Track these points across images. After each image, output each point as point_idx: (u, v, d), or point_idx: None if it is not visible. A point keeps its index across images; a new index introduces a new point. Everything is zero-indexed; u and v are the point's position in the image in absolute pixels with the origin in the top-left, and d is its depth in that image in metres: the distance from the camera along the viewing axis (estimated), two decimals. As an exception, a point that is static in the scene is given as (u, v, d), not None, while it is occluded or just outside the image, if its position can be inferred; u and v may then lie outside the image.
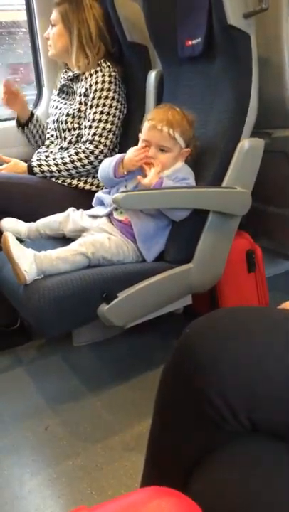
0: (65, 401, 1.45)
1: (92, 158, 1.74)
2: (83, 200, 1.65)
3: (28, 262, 1.27)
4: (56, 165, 1.76)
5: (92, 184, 1.79)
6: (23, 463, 1.23)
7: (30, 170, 1.79)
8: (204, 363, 0.56)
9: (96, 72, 1.76)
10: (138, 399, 1.42)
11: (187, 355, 0.59)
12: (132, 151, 1.46)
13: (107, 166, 1.49)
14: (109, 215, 1.49)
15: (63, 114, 1.83)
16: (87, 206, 1.59)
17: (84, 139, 1.78)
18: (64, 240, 1.51)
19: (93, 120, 1.75)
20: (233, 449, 0.56)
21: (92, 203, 1.58)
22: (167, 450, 0.64)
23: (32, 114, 1.98)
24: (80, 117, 1.80)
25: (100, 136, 1.74)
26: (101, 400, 1.44)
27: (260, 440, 0.55)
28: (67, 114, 1.81)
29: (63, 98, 1.93)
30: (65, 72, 1.90)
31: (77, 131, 1.81)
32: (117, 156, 1.49)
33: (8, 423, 1.38)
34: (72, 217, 1.52)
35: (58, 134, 1.88)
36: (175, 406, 0.62)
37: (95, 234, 1.42)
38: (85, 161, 1.74)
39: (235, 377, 0.54)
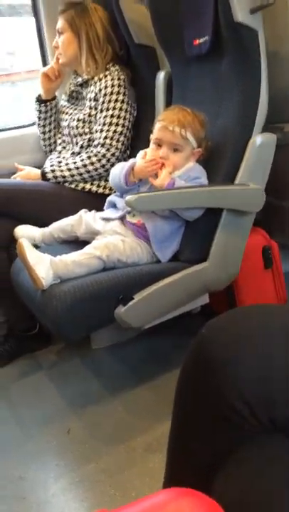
0: (85, 404, 1.46)
1: (104, 161, 1.74)
2: (96, 203, 1.65)
3: (44, 268, 1.28)
4: (69, 170, 1.77)
5: (104, 187, 1.80)
6: (46, 467, 1.24)
7: (44, 176, 1.80)
8: (221, 363, 0.55)
9: (105, 76, 1.77)
10: (158, 400, 1.42)
11: (204, 357, 0.58)
12: (141, 159, 1.46)
13: (117, 174, 1.48)
14: (122, 218, 1.49)
15: (74, 120, 1.84)
16: (100, 209, 1.59)
17: (95, 142, 1.79)
18: (78, 242, 1.51)
19: (104, 124, 1.76)
20: (253, 448, 0.56)
21: (104, 207, 1.58)
22: (187, 451, 0.64)
23: (54, 97, 1.99)
24: (90, 122, 1.81)
25: (112, 139, 1.75)
26: (122, 402, 1.44)
27: (281, 439, 0.54)
28: (78, 120, 1.82)
29: (73, 104, 1.95)
30: (74, 78, 1.91)
31: (88, 136, 1.82)
32: (127, 164, 1.48)
33: (31, 428, 1.39)
34: (84, 220, 1.52)
35: (70, 140, 1.89)
36: (193, 407, 0.62)
37: (109, 237, 1.43)
38: (98, 165, 1.75)
39: (253, 378, 0.54)
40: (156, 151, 1.44)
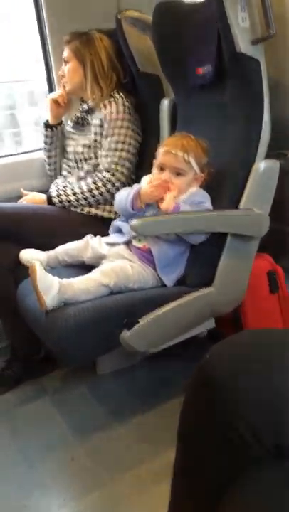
0: (90, 431, 1.44)
1: (109, 186, 1.77)
2: (101, 227, 1.66)
3: (52, 292, 1.28)
4: (74, 194, 1.79)
5: (110, 212, 1.81)
6: (49, 495, 1.22)
7: (50, 200, 1.83)
8: (225, 388, 0.55)
9: (110, 102, 1.81)
10: (164, 426, 1.39)
11: (208, 381, 0.58)
12: (146, 184, 1.48)
13: (123, 200, 1.50)
14: (127, 243, 1.50)
15: (79, 145, 1.87)
16: (106, 233, 1.60)
17: (101, 167, 1.81)
18: (83, 267, 1.52)
19: (109, 149, 1.78)
20: (259, 474, 0.55)
21: (109, 231, 1.59)
22: (191, 478, 0.63)
23: (60, 122, 2.03)
24: (96, 147, 1.84)
25: (117, 164, 1.77)
26: (127, 429, 1.43)
27: (285, 465, 0.54)
28: (84, 145, 1.85)
29: (79, 130, 1.98)
30: (80, 104, 1.95)
31: (93, 161, 1.85)
32: (133, 189, 1.49)
33: (34, 455, 1.38)
34: (91, 244, 1.53)
35: (75, 165, 1.92)
36: (197, 432, 0.61)
37: (116, 260, 1.43)
38: (103, 189, 1.77)
39: (258, 403, 0.53)
40: (159, 175, 1.46)
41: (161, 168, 1.46)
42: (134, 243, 1.47)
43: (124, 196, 1.50)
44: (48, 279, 1.31)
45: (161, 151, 1.46)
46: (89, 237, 1.57)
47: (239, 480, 0.56)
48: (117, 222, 1.57)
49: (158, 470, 1.24)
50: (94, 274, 1.37)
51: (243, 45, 1.32)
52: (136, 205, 1.47)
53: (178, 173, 1.44)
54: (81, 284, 1.33)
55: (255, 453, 0.54)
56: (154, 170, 1.49)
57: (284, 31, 1.44)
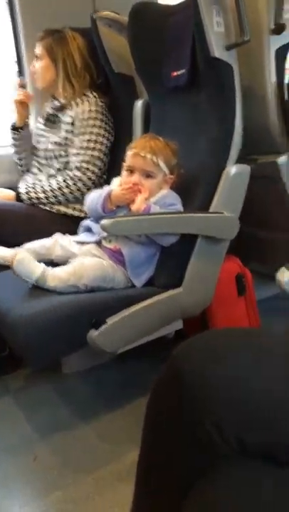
0: (54, 430, 1.42)
1: (80, 184, 1.76)
2: (71, 226, 1.65)
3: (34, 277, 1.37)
4: (44, 192, 1.78)
5: (80, 210, 1.80)
6: (11, 495, 1.20)
7: (18, 197, 1.80)
8: (191, 385, 0.56)
9: (82, 101, 1.80)
10: (130, 426, 1.40)
11: (173, 378, 0.58)
12: (117, 186, 1.47)
13: (94, 201, 1.49)
14: (97, 243, 1.49)
15: (50, 143, 1.85)
16: (75, 232, 1.59)
17: (72, 166, 1.80)
18: (51, 264, 1.50)
19: (81, 148, 1.78)
20: (224, 471, 0.55)
21: (79, 231, 1.58)
22: (156, 476, 0.63)
23: (27, 123, 2.01)
24: (67, 145, 1.83)
25: (88, 163, 1.76)
26: (92, 429, 1.42)
27: (250, 462, 0.55)
28: (55, 143, 1.84)
29: (50, 127, 1.96)
30: (52, 101, 1.94)
31: (64, 159, 1.83)
32: (105, 191, 1.48)
33: (-4, 455, 1.35)
34: (60, 243, 1.52)
35: (46, 162, 1.90)
36: (162, 428, 0.61)
37: (86, 258, 1.42)
38: (73, 188, 1.76)
39: (222, 400, 0.54)
40: (129, 177, 1.46)
41: (131, 171, 1.46)
42: (105, 244, 1.46)
43: (95, 198, 1.50)
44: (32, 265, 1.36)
45: (129, 153, 1.46)
46: (58, 235, 1.56)
47: (206, 477, 0.56)
48: (87, 222, 1.56)
49: (121, 470, 1.24)
50: (63, 273, 1.37)
51: (218, 49, 1.34)
52: (107, 207, 1.47)
53: (147, 176, 1.44)
54: (56, 283, 1.36)
55: (222, 450, 0.55)
56: (123, 172, 1.49)
57: (258, 38, 1.47)
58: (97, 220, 1.50)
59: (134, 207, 1.41)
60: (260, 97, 1.54)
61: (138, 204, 1.40)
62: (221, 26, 1.35)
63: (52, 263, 1.51)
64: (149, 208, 1.40)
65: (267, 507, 0.50)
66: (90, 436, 1.39)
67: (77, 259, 1.41)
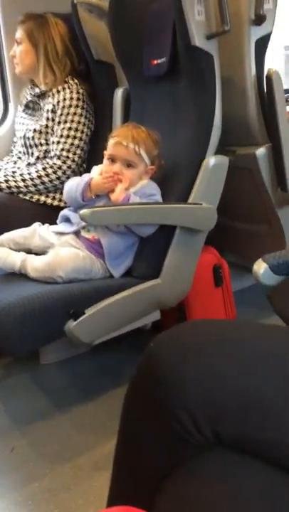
0: (32, 421, 1.42)
1: (59, 173, 1.74)
2: (51, 215, 1.63)
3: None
4: (23, 180, 1.75)
5: (60, 200, 1.78)
6: (-13, 487, 1.20)
7: (-3, 186, 1.77)
8: (168, 376, 0.56)
9: (64, 89, 1.77)
10: (107, 417, 1.40)
11: (151, 370, 0.58)
12: (97, 175, 1.46)
13: (73, 190, 1.48)
14: (76, 233, 1.48)
15: (30, 131, 1.82)
16: (54, 222, 1.58)
17: (51, 154, 1.78)
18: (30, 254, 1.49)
19: (61, 136, 1.75)
20: (198, 462, 0.56)
21: (57, 221, 1.57)
22: (132, 467, 0.64)
23: None
24: (47, 133, 1.80)
25: (68, 151, 1.74)
26: (69, 419, 1.42)
27: (224, 453, 0.55)
28: (34, 131, 1.81)
29: (30, 114, 1.93)
30: (31, 88, 1.90)
31: (44, 147, 1.81)
32: (84, 179, 1.47)
33: (-27, 445, 1.34)
34: (39, 233, 1.50)
35: (25, 150, 1.87)
36: (140, 421, 0.62)
37: (63, 249, 1.41)
38: (53, 177, 1.74)
39: (198, 391, 0.54)
40: (110, 166, 1.45)
41: (112, 160, 1.45)
42: (83, 234, 1.45)
43: (73, 186, 1.48)
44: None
45: (111, 141, 1.45)
46: (37, 225, 1.54)
47: (182, 468, 0.57)
48: (66, 212, 1.54)
49: (98, 460, 1.24)
50: (40, 264, 1.36)
51: (198, 38, 1.33)
52: (86, 195, 1.45)
53: (129, 165, 1.43)
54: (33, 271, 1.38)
55: (197, 441, 0.55)
56: (105, 161, 1.47)
57: (238, 29, 1.46)
58: (75, 209, 1.49)
59: (113, 196, 1.40)
60: (240, 89, 1.54)
61: (117, 193, 1.40)
62: (201, 15, 1.34)
63: (31, 253, 1.50)
64: (128, 197, 1.39)
65: (240, 498, 0.51)
66: (67, 426, 1.39)
67: (53, 251, 1.40)
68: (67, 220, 1.53)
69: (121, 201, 1.39)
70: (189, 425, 0.54)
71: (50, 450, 1.30)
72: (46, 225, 1.55)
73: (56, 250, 1.40)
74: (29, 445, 1.32)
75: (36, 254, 1.47)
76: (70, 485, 1.18)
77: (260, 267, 0.97)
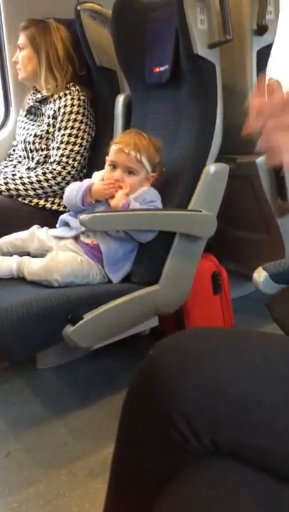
0: (28, 426, 1.41)
1: (59, 179, 1.74)
2: (49, 219, 1.64)
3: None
4: (23, 184, 1.75)
5: (59, 204, 1.79)
6: (-18, 492, 1.19)
7: (-4, 190, 1.77)
8: (167, 384, 0.56)
9: (65, 95, 1.78)
10: (103, 423, 1.40)
11: (150, 378, 0.58)
12: (98, 181, 1.47)
13: (73, 194, 1.47)
14: (75, 238, 1.48)
15: (31, 135, 1.83)
16: (53, 226, 1.58)
17: (52, 159, 1.78)
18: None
19: (61, 142, 1.76)
20: (196, 471, 0.56)
21: (57, 225, 1.57)
22: (131, 474, 0.63)
23: None
24: (47, 139, 1.81)
25: (68, 157, 1.75)
26: (65, 425, 1.41)
27: (223, 462, 0.55)
28: (35, 135, 1.82)
29: (31, 119, 1.94)
30: (34, 93, 1.91)
31: (45, 152, 1.81)
32: (84, 185, 1.47)
33: None
34: (37, 236, 1.50)
35: (26, 154, 1.88)
36: (138, 428, 0.61)
37: (60, 253, 1.41)
38: (52, 182, 1.74)
39: (197, 399, 0.54)
40: (111, 173, 1.45)
41: (113, 166, 1.45)
42: (83, 239, 1.45)
43: (74, 191, 1.48)
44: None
45: (113, 148, 1.45)
46: (35, 227, 1.54)
47: (179, 476, 0.57)
48: (65, 217, 1.54)
49: (93, 467, 1.24)
50: (37, 268, 1.37)
51: (200, 47, 1.34)
52: (86, 200, 1.46)
53: (130, 172, 1.43)
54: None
55: (195, 449, 0.55)
56: (106, 167, 1.48)
57: (240, 38, 1.47)
58: (75, 213, 1.49)
59: (113, 202, 1.40)
60: (241, 97, 1.55)
61: (117, 199, 1.40)
62: (204, 24, 1.35)
63: (29, 256, 1.50)
64: (128, 203, 1.39)
65: (238, 505, 0.51)
66: (63, 432, 1.38)
67: (51, 254, 1.40)
68: (66, 224, 1.53)
69: (121, 207, 1.39)
70: (187, 433, 0.54)
71: (46, 456, 1.29)
72: (45, 228, 1.55)
73: (53, 254, 1.40)
74: (24, 450, 1.32)
75: (35, 257, 1.46)
76: (64, 491, 1.17)
77: (260, 276, 0.97)
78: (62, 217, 1.55)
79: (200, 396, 0.54)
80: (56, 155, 1.76)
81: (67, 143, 1.75)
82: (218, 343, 0.59)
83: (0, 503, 1.15)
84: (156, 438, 0.58)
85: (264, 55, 1.53)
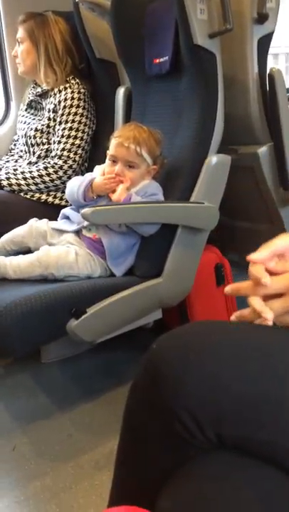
0: (33, 420, 1.42)
1: (61, 173, 1.73)
2: (52, 214, 1.63)
3: None
4: (25, 179, 1.75)
5: (61, 199, 1.78)
6: (-11, 486, 1.20)
7: (-2, 184, 1.77)
8: (171, 378, 0.56)
9: (65, 88, 1.77)
10: (108, 416, 1.40)
11: (154, 372, 0.58)
12: (99, 175, 1.46)
13: (75, 190, 1.47)
14: (76, 232, 1.47)
15: (32, 129, 1.82)
16: (56, 220, 1.57)
17: (53, 154, 1.77)
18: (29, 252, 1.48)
19: (62, 136, 1.75)
20: (200, 464, 0.56)
21: (58, 219, 1.56)
22: (135, 467, 0.63)
23: None
24: (48, 133, 1.80)
25: (69, 151, 1.74)
26: (70, 418, 1.42)
27: (227, 456, 0.55)
28: (36, 129, 1.81)
29: (32, 113, 1.93)
30: (34, 87, 1.90)
31: (46, 146, 1.81)
32: (86, 180, 1.47)
33: (-26, 444, 1.34)
34: (35, 230, 1.50)
35: (27, 149, 1.87)
36: (142, 422, 0.61)
37: (52, 248, 1.41)
38: (54, 176, 1.73)
39: (201, 393, 0.54)
40: (112, 167, 1.44)
41: (114, 160, 1.44)
42: (85, 233, 1.45)
43: (76, 186, 1.48)
44: None
45: (113, 142, 1.44)
46: (33, 221, 1.53)
47: (182, 471, 0.57)
48: (67, 211, 1.54)
49: (99, 459, 1.24)
50: (31, 260, 1.37)
51: (200, 37, 1.33)
52: (88, 196, 1.45)
53: (130, 166, 1.43)
54: (18, 269, 1.38)
55: (199, 443, 0.55)
56: (107, 161, 1.47)
57: (240, 27, 1.46)
58: (77, 208, 1.49)
59: (114, 196, 1.40)
60: (242, 87, 1.54)
61: (119, 193, 1.39)
62: (204, 14, 1.34)
63: (30, 251, 1.50)
64: (129, 197, 1.39)
65: (242, 500, 0.51)
66: (68, 425, 1.39)
67: (42, 248, 1.40)
68: (67, 218, 1.53)
69: (122, 201, 1.38)
70: (192, 427, 0.54)
71: (52, 449, 1.30)
72: (45, 220, 1.54)
73: (45, 248, 1.40)
74: (30, 444, 1.33)
75: (36, 250, 1.46)
76: (71, 484, 1.18)
77: (263, 267, 0.97)
78: (63, 211, 1.55)
79: (202, 392, 0.54)
80: (57, 149, 1.75)
81: (68, 137, 1.75)
82: (221, 338, 0.58)
83: (7, 496, 1.16)
84: (161, 432, 0.57)
85: (265, 43, 1.51)
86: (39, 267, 1.36)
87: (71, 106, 1.75)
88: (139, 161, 1.42)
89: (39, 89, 1.86)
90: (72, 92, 1.76)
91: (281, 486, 0.54)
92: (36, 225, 1.51)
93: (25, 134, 1.86)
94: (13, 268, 1.38)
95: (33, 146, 1.84)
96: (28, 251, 1.50)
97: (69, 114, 1.75)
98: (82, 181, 1.47)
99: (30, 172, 1.75)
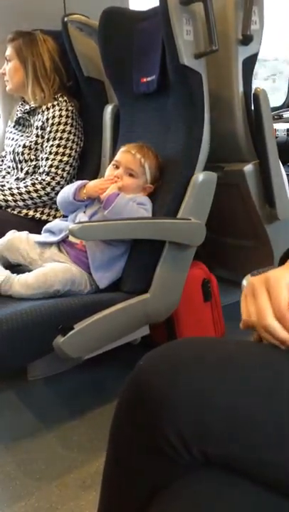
0: (18, 438, 1.40)
1: (48, 189, 1.74)
2: (39, 230, 1.63)
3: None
4: (12, 195, 1.75)
5: (48, 215, 1.79)
6: (-28, 507, 1.17)
7: (-15, 201, 1.77)
8: (157, 396, 0.55)
9: (53, 106, 1.79)
10: (94, 434, 1.39)
11: (139, 389, 0.58)
12: (97, 180, 1.49)
13: (67, 190, 1.51)
14: (58, 244, 1.47)
15: (20, 146, 1.83)
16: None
17: (41, 170, 1.78)
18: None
19: (50, 152, 1.76)
20: (187, 483, 0.55)
21: (42, 233, 1.55)
22: (121, 486, 0.63)
23: None
24: (36, 149, 1.81)
25: (57, 168, 1.75)
26: (56, 436, 1.40)
27: (213, 473, 0.55)
28: (24, 146, 1.82)
29: (20, 130, 1.94)
30: (22, 104, 1.91)
31: (34, 163, 1.81)
32: (80, 182, 1.51)
33: None
34: (14, 243, 1.48)
35: (15, 165, 1.88)
36: (128, 440, 0.61)
37: (54, 264, 1.40)
38: (42, 192, 1.74)
39: (187, 411, 0.54)
40: (113, 171, 1.48)
41: (116, 166, 1.48)
42: (70, 238, 1.45)
43: (68, 187, 1.52)
44: None
45: (121, 150, 1.49)
46: (10, 233, 1.51)
47: (168, 489, 0.56)
48: (48, 225, 1.54)
49: (85, 478, 1.23)
50: (38, 278, 1.35)
51: (187, 57, 1.36)
52: (79, 194, 1.47)
53: (131, 174, 1.45)
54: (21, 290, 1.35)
55: (185, 461, 0.54)
56: (110, 166, 1.51)
57: (226, 48, 1.49)
58: (67, 212, 1.51)
59: (104, 194, 1.42)
60: (228, 106, 1.56)
61: (109, 190, 1.42)
62: (190, 35, 1.37)
63: (9, 265, 1.48)
64: (117, 194, 1.40)
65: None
66: (54, 444, 1.37)
67: (48, 266, 1.39)
68: (50, 232, 1.53)
69: (109, 196, 1.40)
70: (178, 444, 0.54)
71: (37, 468, 1.28)
72: (26, 232, 1.52)
73: (50, 265, 1.39)
74: (15, 463, 1.30)
75: (15, 265, 1.46)
76: (57, 504, 1.16)
77: (249, 283, 0.97)
78: (46, 226, 1.54)
79: (189, 410, 0.54)
80: (45, 165, 1.76)
81: (56, 153, 1.76)
82: (207, 355, 0.59)
83: (-9, 517, 1.13)
84: (146, 450, 0.57)
85: (250, 64, 1.54)
86: (45, 285, 1.34)
87: (59, 123, 1.76)
88: (140, 172, 1.45)
89: (27, 107, 1.87)
90: (60, 109, 1.78)
91: (269, 504, 0.54)
92: (16, 239, 1.49)
93: (13, 151, 1.86)
94: (20, 284, 1.35)
95: (21, 162, 1.84)
96: (7, 264, 1.48)
97: (57, 131, 1.76)
98: (76, 183, 1.51)
99: (18, 188, 1.75)
